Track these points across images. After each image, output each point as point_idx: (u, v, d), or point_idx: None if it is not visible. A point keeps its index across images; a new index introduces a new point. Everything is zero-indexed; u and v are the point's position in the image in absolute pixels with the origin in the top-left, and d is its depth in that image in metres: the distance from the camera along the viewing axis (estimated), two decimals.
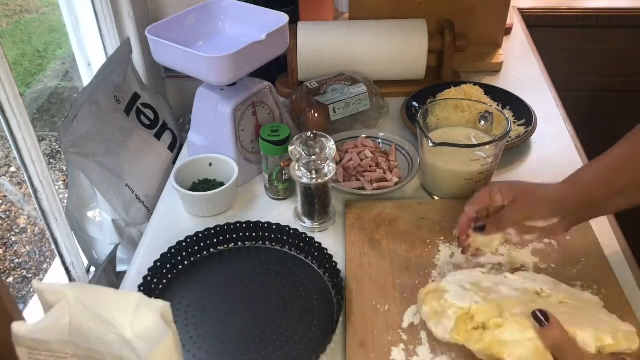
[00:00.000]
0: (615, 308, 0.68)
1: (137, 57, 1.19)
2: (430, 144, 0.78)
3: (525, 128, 0.98)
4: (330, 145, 0.78)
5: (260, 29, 0.83)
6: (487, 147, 0.80)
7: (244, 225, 0.81)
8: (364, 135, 0.98)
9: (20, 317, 0.66)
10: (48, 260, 1.98)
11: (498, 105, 1.02)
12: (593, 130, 1.26)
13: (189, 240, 0.79)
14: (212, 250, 0.81)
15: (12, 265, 1.97)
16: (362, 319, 0.69)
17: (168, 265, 0.77)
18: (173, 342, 0.46)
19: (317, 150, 0.77)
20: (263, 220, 0.81)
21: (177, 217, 0.88)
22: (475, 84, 1.06)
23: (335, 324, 0.68)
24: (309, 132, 0.77)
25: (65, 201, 0.97)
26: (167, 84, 1.35)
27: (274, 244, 0.81)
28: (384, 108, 1.05)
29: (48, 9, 2.92)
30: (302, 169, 0.79)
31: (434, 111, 0.89)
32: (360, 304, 0.70)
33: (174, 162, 1.11)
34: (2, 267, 1.95)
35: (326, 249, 0.76)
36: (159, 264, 0.76)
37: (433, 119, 0.89)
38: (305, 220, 0.84)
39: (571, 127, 1.04)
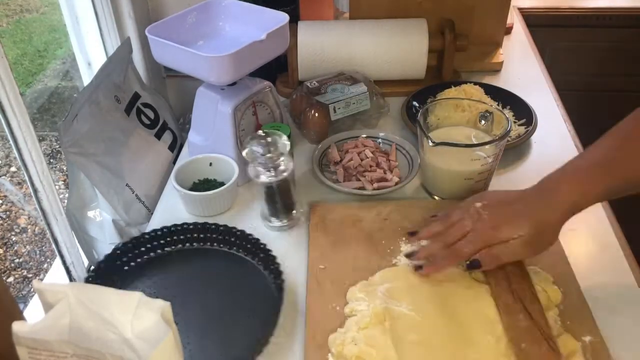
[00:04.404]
0: (571, 304, 0.69)
1: (137, 57, 1.19)
2: (431, 144, 0.78)
3: (525, 128, 0.98)
4: (283, 140, 0.78)
5: (261, 28, 0.83)
6: (487, 146, 0.80)
7: (191, 227, 0.81)
8: (364, 135, 0.98)
9: (20, 317, 0.66)
10: (48, 260, 1.98)
11: (498, 104, 1.02)
12: (593, 130, 1.26)
13: (134, 241, 0.78)
14: (159, 251, 0.80)
15: (12, 265, 1.97)
16: (321, 321, 0.68)
17: (113, 267, 0.77)
18: (173, 342, 0.46)
19: (271, 148, 0.77)
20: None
21: (177, 217, 0.88)
22: (475, 83, 1.06)
23: (273, 325, 0.68)
24: (260, 131, 0.77)
25: (66, 201, 0.97)
26: (168, 83, 1.35)
27: (221, 245, 0.81)
28: (384, 108, 1.05)
29: (48, 8, 2.92)
30: (259, 168, 0.79)
31: (434, 111, 0.89)
32: (321, 306, 0.70)
33: (174, 162, 1.11)
34: (2, 267, 1.95)
35: (270, 250, 0.76)
36: (102, 265, 0.75)
37: (433, 119, 0.89)
38: (272, 219, 0.84)
39: (571, 127, 1.04)
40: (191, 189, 0.88)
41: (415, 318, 0.67)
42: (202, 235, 0.81)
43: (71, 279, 1.00)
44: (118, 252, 0.77)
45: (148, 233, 0.79)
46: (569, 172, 0.67)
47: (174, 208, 0.90)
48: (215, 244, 0.81)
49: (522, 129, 0.98)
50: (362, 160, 0.92)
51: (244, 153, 0.78)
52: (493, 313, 0.67)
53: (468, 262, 0.69)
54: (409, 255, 0.74)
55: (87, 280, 0.73)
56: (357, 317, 0.67)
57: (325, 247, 0.79)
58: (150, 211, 1.02)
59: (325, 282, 0.73)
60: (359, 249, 0.78)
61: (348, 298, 0.71)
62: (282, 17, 0.86)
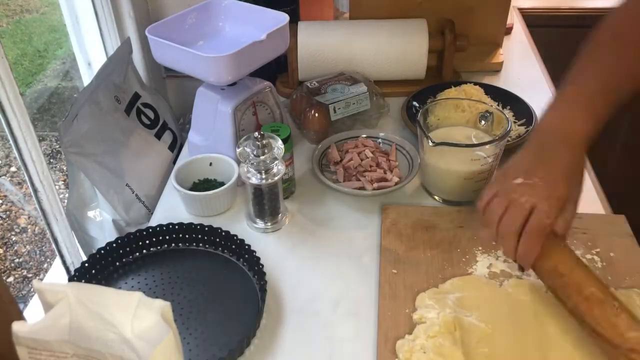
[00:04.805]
0: None
1: (137, 57, 1.19)
2: (431, 144, 0.78)
3: (525, 128, 0.98)
4: (279, 145, 0.78)
5: (261, 28, 0.83)
6: (487, 146, 0.80)
7: (176, 227, 0.81)
8: (364, 135, 0.98)
9: (20, 317, 0.66)
10: (48, 260, 1.98)
11: (498, 105, 1.02)
12: None
13: (119, 241, 0.78)
14: (144, 251, 0.81)
15: (12, 264, 1.97)
16: (393, 327, 0.68)
17: (98, 266, 0.77)
18: (173, 342, 0.46)
19: (265, 150, 0.77)
20: None
21: (177, 217, 0.88)
22: (475, 83, 1.06)
23: (255, 326, 0.69)
24: (256, 133, 0.76)
25: (66, 201, 0.97)
26: (168, 83, 1.35)
27: (206, 245, 0.81)
28: (384, 108, 1.05)
29: (48, 8, 2.92)
30: (251, 169, 0.79)
31: (434, 111, 0.89)
32: (393, 311, 0.70)
33: (174, 162, 1.11)
34: (2, 267, 1.95)
35: (255, 252, 0.76)
36: (87, 264, 0.75)
37: (433, 119, 0.89)
38: (257, 221, 0.84)
39: None
40: (191, 189, 0.88)
41: (486, 330, 0.66)
42: (187, 236, 0.81)
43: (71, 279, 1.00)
44: (102, 252, 0.77)
45: (133, 233, 0.79)
46: (570, 104, 0.68)
47: (174, 208, 0.90)
48: (200, 245, 0.81)
49: (522, 129, 0.98)
50: (362, 160, 0.92)
51: (237, 152, 0.78)
52: (572, 331, 0.65)
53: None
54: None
55: (69, 280, 0.72)
56: (426, 324, 0.66)
57: (398, 252, 0.78)
58: (150, 211, 1.02)
59: (398, 287, 0.73)
60: (433, 255, 0.77)
61: (417, 304, 0.70)
62: (282, 18, 0.86)
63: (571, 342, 0.65)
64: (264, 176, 0.78)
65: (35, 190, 0.90)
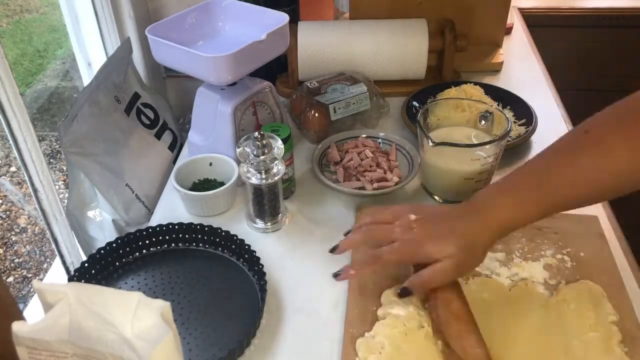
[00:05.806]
0: (626, 328, 0.66)
1: (137, 57, 1.19)
2: (431, 144, 0.78)
3: (525, 128, 0.98)
4: (279, 145, 0.78)
5: (261, 28, 0.83)
6: (487, 146, 0.80)
7: (176, 227, 0.81)
8: (364, 135, 0.98)
9: (20, 317, 0.66)
10: (48, 260, 1.98)
11: (498, 105, 1.02)
12: None
13: (119, 241, 0.78)
14: (144, 251, 0.80)
15: (12, 264, 1.97)
16: (360, 324, 0.68)
17: (98, 266, 0.76)
18: (173, 342, 0.46)
19: (265, 150, 0.77)
20: None
21: (177, 217, 0.88)
22: (475, 83, 1.06)
23: (256, 326, 0.69)
24: (256, 133, 0.76)
25: (66, 201, 0.97)
26: (168, 83, 1.35)
27: (206, 245, 0.81)
28: (384, 108, 1.04)
29: (48, 8, 2.92)
30: (251, 169, 0.79)
31: (434, 111, 0.89)
32: (360, 309, 0.70)
33: (174, 162, 1.11)
34: (2, 267, 1.95)
35: (255, 251, 0.76)
36: (87, 264, 0.75)
37: (433, 119, 0.89)
38: (257, 221, 0.84)
39: (571, 127, 1.04)
40: (191, 189, 0.88)
41: None
42: (187, 236, 0.81)
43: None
44: (102, 252, 0.77)
45: (132, 233, 0.79)
46: (502, 191, 0.66)
47: (173, 208, 0.90)
48: (200, 245, 0.81)
49: (522, 129, 0.98)
50: (362, 160, 0.92)
51: (237, 152, 0.78)
52: (537, 326, 0.66)
53: (399, 291, 0.66)
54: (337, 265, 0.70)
55: (69, 280, 0.72)
56: (387, 320, 0.66)
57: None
58: (150, 211, 1.02)
59: (367, 284, 0.73)
60: None
61: (382, 301, 0.70)
62: (282, 18, 0.86)
63: (532, 340, 0.65)
64: (264, 176, 0.78)
65: (35, 190, 0.90)
